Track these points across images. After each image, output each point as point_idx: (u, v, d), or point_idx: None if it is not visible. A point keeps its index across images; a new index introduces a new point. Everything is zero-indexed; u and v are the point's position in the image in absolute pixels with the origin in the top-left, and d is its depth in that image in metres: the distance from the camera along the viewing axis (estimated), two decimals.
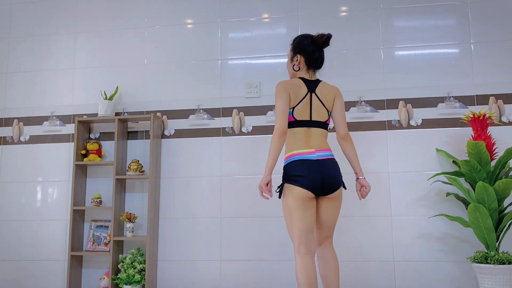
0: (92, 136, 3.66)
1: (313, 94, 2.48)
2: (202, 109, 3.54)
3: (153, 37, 3.69)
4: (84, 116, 3.60)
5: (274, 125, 3.34)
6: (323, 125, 2.49)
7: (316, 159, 2.37)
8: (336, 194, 2.41)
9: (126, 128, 3.59)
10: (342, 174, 2.46)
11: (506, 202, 3.03)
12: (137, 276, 3.22)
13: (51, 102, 3.74)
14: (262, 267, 3.30)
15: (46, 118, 3.72)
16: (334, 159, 2.45)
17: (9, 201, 3.66)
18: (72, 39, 3.79)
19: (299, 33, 3.47)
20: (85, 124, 3.61)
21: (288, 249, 3.26)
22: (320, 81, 2.54)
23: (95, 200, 3.42)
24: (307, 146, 2.41)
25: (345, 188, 2.51)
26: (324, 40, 2.51)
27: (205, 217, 3.42)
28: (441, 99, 3.27)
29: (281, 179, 2.44)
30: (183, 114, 3.56)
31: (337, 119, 2.52)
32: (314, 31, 3.43)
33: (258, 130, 3.44)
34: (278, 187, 2.44)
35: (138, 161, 3.45)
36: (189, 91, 3.58)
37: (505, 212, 2.92)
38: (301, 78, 2.52)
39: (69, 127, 3.68)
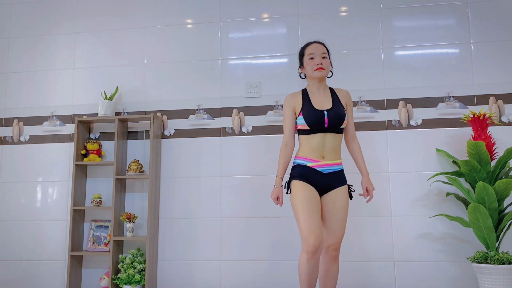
0: (92, 136, 3.66)
1: None
2: (202, 109, 3.54)
3: (153, 37, 3.69)
4: (84, 116, 3.60)
5: (274, 125, 3.43)
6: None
7: None
8: None
9: (126, 128, 3.59)
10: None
11: (506, 202, 3.03)
12: (137, 276, 3.22)
13: (51, 102, 3.74)
14: (262, 267, 3.30)
15: (46, 118, 3.72)
16: None
17: (9, 201, 3.66)
18: (72, 38, 3.79)
19: (299, 33, 3.49)
20: (85, 124, 3.61)
21: (288, 249, 3.26)
22: None
23: (95, 200, 3.42)
24: None
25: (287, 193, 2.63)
26: None
27: (205, 217, 3.42)
28: (441, 99, 3.27)
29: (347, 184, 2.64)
30: (183, 114, 3.56)
31: None
32: (314, 31, 3.46)
33: (258, 130, 3.44)
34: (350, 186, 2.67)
35: (138, 161, 3.45)
36: (189, 91, 3.58)
37: (505, 212, 2.92)
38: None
39: (69, 127, 3.68)
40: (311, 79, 2.66)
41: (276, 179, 2.60)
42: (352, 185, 2.66)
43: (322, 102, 2.59)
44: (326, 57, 2.62)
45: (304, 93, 2.65)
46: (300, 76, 2.76)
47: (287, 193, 2.60)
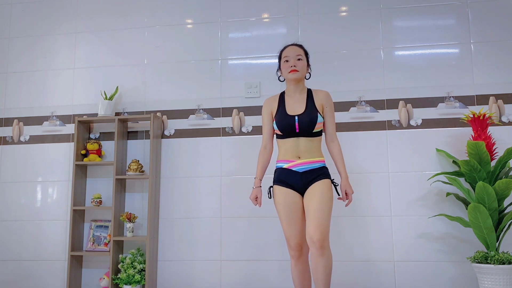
0: (92, 136, 3.66)
1: None
2: (202, 109, 3.54)
3: (153, 37, 3.69)
4: (84, 116, 3.60)
5: None
6: None
7: None
8: None
9: (126, 128, 3.59)
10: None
11: (506, 202, 3.03)
12: (137, 276, 3.22)
13: (51, 102, 3.74)
14: (262, 267, 3.30)
15: (46, 118, 3.72)
16: None
17: (9, 201, 3.66)
18: (72, 38, 3.79)
19: (299, 33, 3.49)
20: (85, 124, 3.61)
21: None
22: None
23: (95, 200, 3.42)
24: None
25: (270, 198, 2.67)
26: None
27: (205, 217, 3.42)
28: (441, 99, 3.27)
29: (330, 179, 2.59)
30: (183, 114, 3.56)
31: None
32: (314, 31, 3.47)
33: (258, 130, 3.44)
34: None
35: (138, 161, 3.45)
36: (189, 91, 3.58)
37: (505, 212, 2.92)
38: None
39: (69, 127, 3.68)
40: (288, 82, 2.69)
41: (255, 181, 2.68)
42: (334, 179, 2.61)
43: (295, 107, 2.62)
44: (301, 59, 2.64)
45: (281, 96, 2.70)
46: (278, 79, 2.79)
47: (270, 197, 2.66)
